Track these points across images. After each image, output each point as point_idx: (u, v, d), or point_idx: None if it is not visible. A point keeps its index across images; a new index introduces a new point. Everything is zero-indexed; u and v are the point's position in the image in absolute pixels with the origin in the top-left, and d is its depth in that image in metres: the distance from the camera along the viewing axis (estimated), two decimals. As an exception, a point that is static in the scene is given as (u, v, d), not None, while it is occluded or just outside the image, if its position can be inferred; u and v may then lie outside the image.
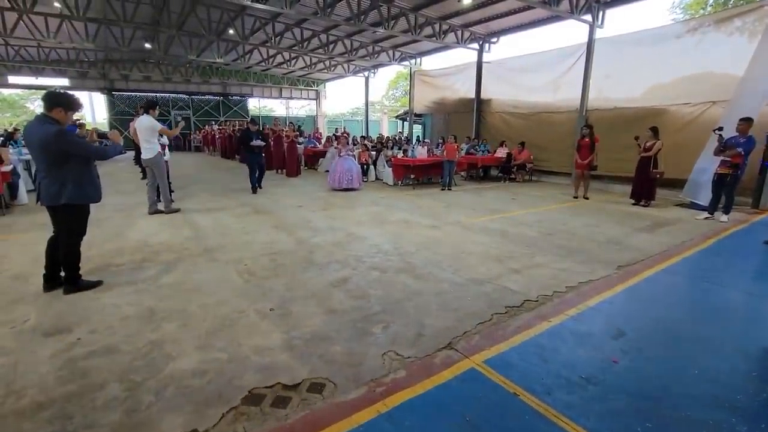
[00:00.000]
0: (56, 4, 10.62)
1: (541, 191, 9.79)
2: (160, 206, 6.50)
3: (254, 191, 8.63)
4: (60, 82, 20.78)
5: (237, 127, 17.22)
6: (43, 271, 3.41)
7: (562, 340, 2.73)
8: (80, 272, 3.46)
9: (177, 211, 6.57)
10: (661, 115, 9.25)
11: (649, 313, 3.21)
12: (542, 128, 11.91)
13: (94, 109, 26.27)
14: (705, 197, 7.19)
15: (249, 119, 9.34)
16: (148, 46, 15.18)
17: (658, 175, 7.74)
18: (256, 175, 8.71)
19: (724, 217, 6.61)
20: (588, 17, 10.01)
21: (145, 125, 6.14)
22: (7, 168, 6.53)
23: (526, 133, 12.03)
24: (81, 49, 16.55)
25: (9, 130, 12.43)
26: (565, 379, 2.30)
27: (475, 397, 2.14)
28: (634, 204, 7.94)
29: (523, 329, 2.88)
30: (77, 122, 9.30)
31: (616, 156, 9.54)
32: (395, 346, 2.63)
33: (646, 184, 7.84)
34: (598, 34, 10.23)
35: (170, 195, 6.59)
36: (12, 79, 20.14)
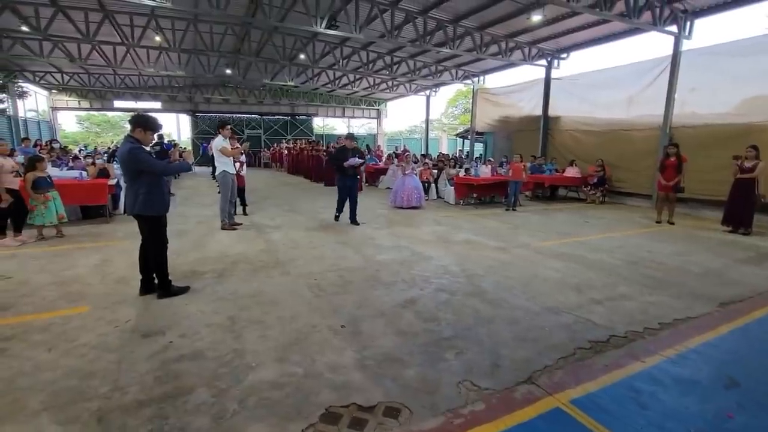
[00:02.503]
0: (157, 38, 12.07)
1: (616, 214, 9.07)
2: (236, 218, 6.95)
3: (337, 218, 7.29)
4: (154, 105, 23.50)
5: (303, 145, 18.06)
6: (140, 276, 3.77)
7: (661, 385, 2.44)
8: (170, 278, 3.78)
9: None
10: (763, 131, 8.21)
11: (767, 361, 2.77)
12: (618, 146, 11.11)
13: (180, 129, 29.21)
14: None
15: (346, 134, 7.50)
16: (229, 71, 16.64)
17: (762, 199, 6.84)
18: (345, 202, 7.15)
19: None
20: (673, 28, 9.29)
21: (214, 145, 6.56)
22: (113, 181, 7.42)
23: (598, 152, 11.30)
24: (173, 76, 18.60)
25: (112, 148, 14.22)
26: (669, 431, 2.03)
27: (565, 442, 1.96)
28: (730, 231, 7.05)
29: (612, 368, 2.62)
30: (172, 141, 10.27)
31: (706, 177, 8.61)
32: (471, 376, 2.52)
33: (745, 209, 6.94)
34: (685, 45, 9.44)
35: (235, 210, 6.86)
36: (117, 103, 23.13)
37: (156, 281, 3.75)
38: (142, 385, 2.38)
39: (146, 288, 3.74)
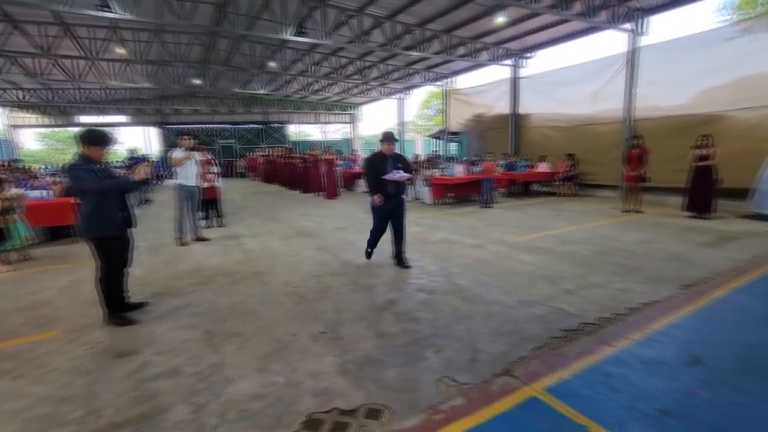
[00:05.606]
0: (120, 51, 11.75)
1: (586, 206, 9.39)
2: (200, 232, 6.67)
3: (369, 255, 5.13)
4: (121, 119, 22.78)
5: (279, 153, 17.75)
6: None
7: (629, 368, 2.55)
8: (126, 302, 3.65)
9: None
10: (717, 121, 8.69)
11: (727, 338, 2.94)
12: (584, 140, 11.53)
13: (149, 142, 28.38)
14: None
15: (383, 134, 4.91)
16: (197, 82, 16.35)
17: (719, 184, 7.24)
18: (382, 233, 5.00)
19: (801, 229, 6.02)
20: (628, 26, 9.73)
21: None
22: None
23: (567, 147, 11.69)
24: (140, 89, 18.12)
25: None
26: (639, 410, 2.14)
27: (541, 429, 2.03)
28: (693, 217, 7.42)
29: (584, 354, 2.73)
30: (141, 156, 9.90)
31: (668, 166, 9.01)
32: (450, 372, 2.57)
33: (705, 194, 7.32)
34: (642, 41, 9.90)
35: (212, 222, 6.49)
36: (81, 118, 22.29)
37: (125, 299, 3.66)
38: (117, 406, 2.32)
39: (118, 308, 3.64)
